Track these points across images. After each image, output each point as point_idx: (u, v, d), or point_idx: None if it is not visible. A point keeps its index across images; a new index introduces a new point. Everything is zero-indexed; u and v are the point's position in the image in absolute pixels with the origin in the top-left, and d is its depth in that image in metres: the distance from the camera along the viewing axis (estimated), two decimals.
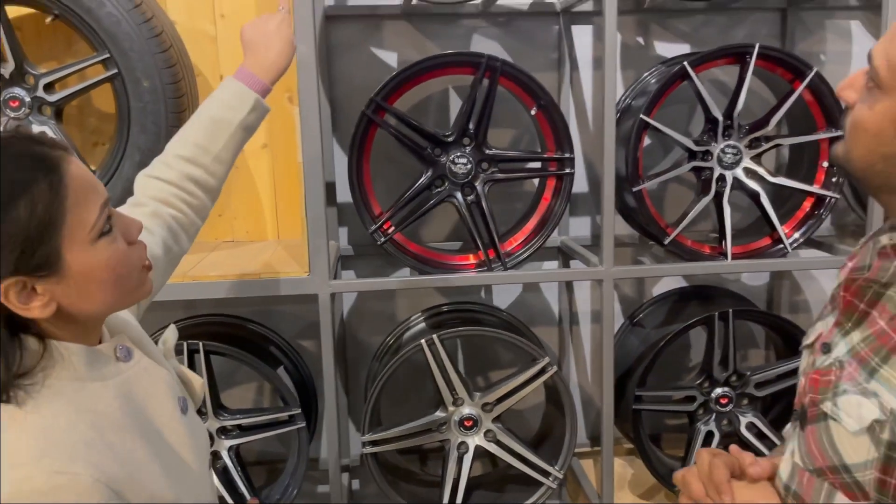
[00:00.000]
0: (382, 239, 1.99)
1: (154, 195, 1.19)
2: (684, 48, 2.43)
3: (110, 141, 2.06)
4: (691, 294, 2.37)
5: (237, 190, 2.32)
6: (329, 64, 2.33)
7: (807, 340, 0.96)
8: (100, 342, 0.92)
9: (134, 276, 0.90)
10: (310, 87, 1.80)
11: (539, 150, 2.16)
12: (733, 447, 0.99)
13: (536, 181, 2.18)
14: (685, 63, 1.93)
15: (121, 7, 1.81)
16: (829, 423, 0.84)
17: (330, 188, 2.36)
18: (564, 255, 2.45)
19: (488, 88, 1.95)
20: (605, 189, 1.93)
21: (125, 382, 0.91)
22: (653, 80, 2.25)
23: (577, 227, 2.50)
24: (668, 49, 2.42)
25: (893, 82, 0.80)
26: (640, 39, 2.42)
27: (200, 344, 1.95)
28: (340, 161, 2.35)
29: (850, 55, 2.47)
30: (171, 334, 1.10)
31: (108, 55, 1.84)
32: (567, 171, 2.00)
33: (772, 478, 0.96)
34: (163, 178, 1.20)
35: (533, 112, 2.00)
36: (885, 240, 0.86)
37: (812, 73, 1.95)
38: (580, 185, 2.47)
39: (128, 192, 1.21)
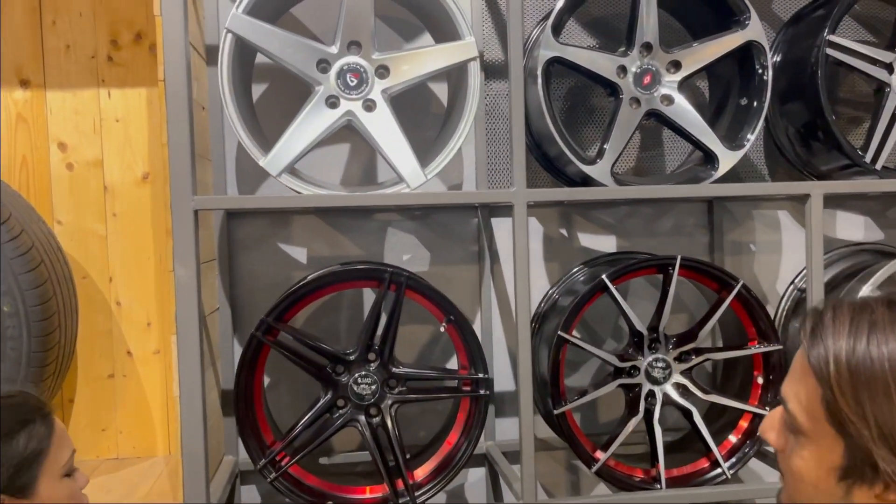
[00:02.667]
0: (272, 474, 1.76)
1: None
2: (609, 240, 2.33)
3: None
4: None
5: (123, 401, 2.09)
6: (231, 261, 2.17)
7: None
8: None
9: None
10: (189, 319, 1.62)
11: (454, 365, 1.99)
12: None
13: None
14: (604, 277, 1.80)
15: None
16: None
17: (227, 397, 2.13)
18: (489, 464, 2.23)
19: (394, 303, 1.79)
20: (523, 416, 1.75)
21: None
22: (580, 278, 2.13)
23: (505, 430, 2.30)
24: (593, 241, 2.32)
25: (813, 426, 0.72)
26: (564, 231, 2.31)
27: None
28: None
29: (780, 244, 2.39)
30: None
31: None
32: (482, 392, 1.82)
33: None
34: None
35: (443, 328, 1.84)
36: None
37: (738, 286, 1.84)
38: (507, 384, 2.28)
39: None
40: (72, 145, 2.09)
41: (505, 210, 2.28)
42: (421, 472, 1.85)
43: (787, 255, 2.40)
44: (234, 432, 2.15)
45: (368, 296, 2.23)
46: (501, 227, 2.28)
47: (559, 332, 1.81)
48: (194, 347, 1.63)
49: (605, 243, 2.32)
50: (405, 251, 2.26)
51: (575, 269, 2.17)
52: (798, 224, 2.40)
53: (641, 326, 1.86)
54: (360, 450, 2.23)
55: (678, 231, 2.35)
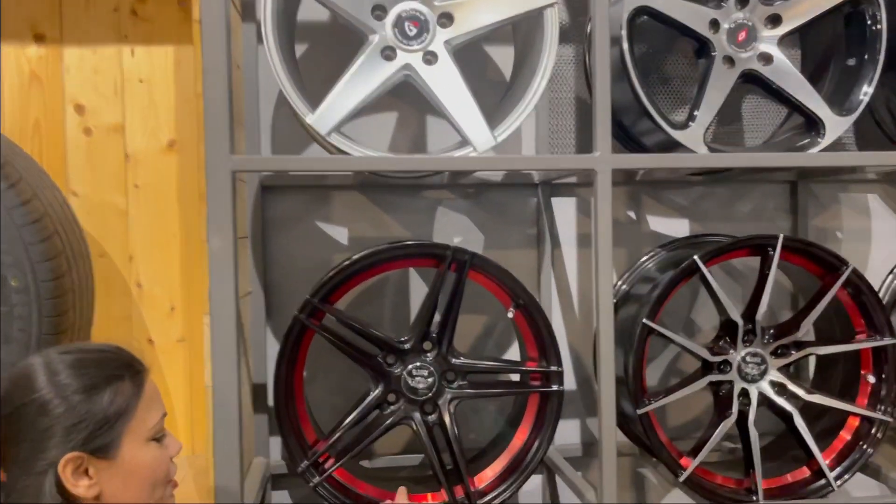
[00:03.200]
0: (316, 479, 1.53)
1: None
2: (682, 224, 2.10)
3: None
4: None
5: None
6: (264, 241, 1.95)
7: None
8: None
9: (164, 488, 1.06)
10: (225, 298, 1.40)
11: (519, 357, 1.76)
12: None
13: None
14: (696, 258, 1.57)
15: None
16: None
17: (259, 392, 1.91)
18: (549, 470, 1.99)
19: (455, 285, 1.56)
20: (605, 417, 1.52)
21: None
22: (652, 266, 1.90)
23: (564, 432, 2.06)
24: (663, 225, 2.09)
25: None
26: (632, 214, 2.09)
27: None
28: (274, 355, 1.91)
29: (868, 232, 2.16)
30: None
31: None
32: (555, 387, 1.59)
33: None
34: None
35: (511, 314, 1.61)
36: None
37: (848, 271, 1.61)
38: (567, 382, 2.05)
39: None
40: (90, 108, 1.87)
41: (567, 189, 2.06)
42: (482, 478, 1.62)
43: (877, 243, 2.16)
44: (266, 431, 1.93)
45: (416, 281, 2.01)
46: (563, 208, 2.06)
47: (644, 321, 1.58)
48: (230, 331, 1.41)
49: (677, 227, 2.09)
50: (456, 233, 2.03)
51: (646, 256, 1.94)
52: (889, 209, 2.16)
53: (737, 316, 1.62)
54: (404, 452, 2.01)
55: (757, 215, 2.12)
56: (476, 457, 1.74)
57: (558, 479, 1.99)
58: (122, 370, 1.03)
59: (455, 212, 2.03)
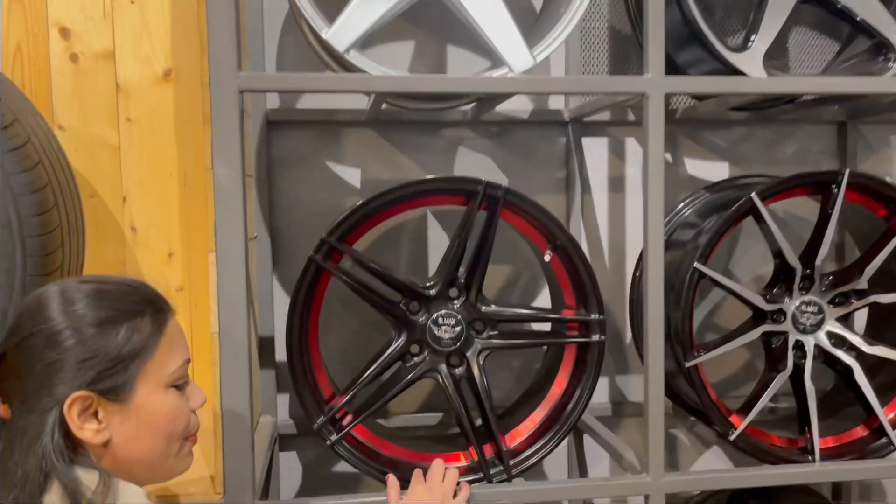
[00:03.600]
0: (334, 436, 1.39)
1: None
2: (721, 167, 1.95)
3: None
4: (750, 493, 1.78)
5: None
6: (270, 182, 1.79)
7: None
8: None
9: (181, 441, 0.94)
10: (233, 234, 1.24)
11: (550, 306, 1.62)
12: None
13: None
14: (753, 196, 1.42)
15: None
16: None
17: (266, 345, 1.76)
18: (577, 430, 1.86)
19: (486, 225, 1.41)
20: (652, 372, 1.38)
21: None
22: (691, 211, 1.75)
23: None
24: (702, 168, 1.94)
25: None
26: (668, 156, 1.93)
27: None
28: (281, 306, 1.76)
29: None
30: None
31: None
32: (595, 338, 1.44)
33: None
34: None
35: (547, 256, 1.46)
36: None
37: None
38: None
39: None
40: (77, 32, 1.68)
41: (599, 129, 1.90)
42: (514, 436, 1.48)
43: None
44: (273, 388, 1.79)
45: (434, 229, 1.86)
46: (595, 149, 1.91)
47: (695, 265, 1.43)
48: (238, 269, 1.25)
49: (716, 171, 1.94)
50: (478, 175, 1.86)
51: (686, 201, 1.78)
52: None
53: (794, 260, 1.48)
54: (421, 411, 1.87)
55: (802, 158, 1.96)
56: (505, 414, 1.60)
57: (587, 440, 1.86)
58: (144, 306, 0.91)
59: (477, 152, 1.87)
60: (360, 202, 1.37)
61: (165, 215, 1.75)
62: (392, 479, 1.31)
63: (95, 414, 0.87)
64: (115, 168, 1.72)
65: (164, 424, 0.91)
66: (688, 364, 1.44)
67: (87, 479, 0.84)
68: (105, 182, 1.72)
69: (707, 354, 1.46)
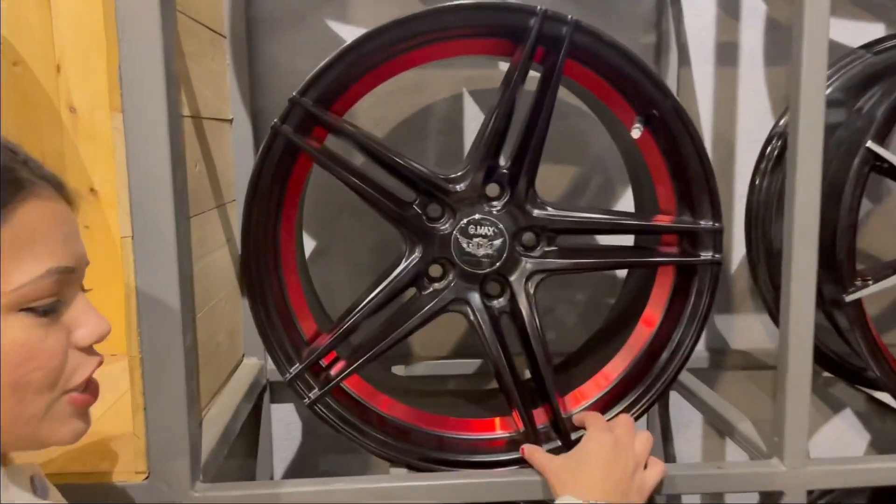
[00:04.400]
0: (316, 392, 0.95)
1: None
2: (871, 28, 1.40)
3: None
4: None
5: None
6: (251, 49, 1.34)
7: None
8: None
9: (54, 395, 0.60)
10: (149, 76, 0.79)
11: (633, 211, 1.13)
12: None
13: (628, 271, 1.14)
14: None
15: None
16: None
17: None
18: None
19: (542, 83, 0.92)
20: (795, 307, 0.89)
21: None
22: (840, 83, 1.22)
23: None
24: (844, 32, 1.40)
25: None
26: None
27: None
28: None
29: None
30: None
31: None
32: (707, 255, 0.96)
33: None
34: None
35: (636, 131, 0.96)
36: None
37: None
38: None
39: None
40: None
41: None
42: (577, 398, 1.02)
43: None
44: None
45: (471, 110, 1.38)
46: (697, 5, 1.38)
47: (868, 145, 0.92)
48: (159, 122, 0.81)
49: (864, 34, 1.39)
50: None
51: (835, 66, 1.25)
52: None
53: None
54: (452, 356, 1.43)
55: None
56: (565, 365, 1.14)
57: (673, 402, 1.40)
58: None
59: None
60: (349, 43, 0.90)
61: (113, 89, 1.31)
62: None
63: None
64: (45, 29, 1.31)
65: (11, 368, 0.57)
66: (847, 299, 0.95)
67: None
68: (33, 47, 1.32)
69: (875, 286, 0.96)
